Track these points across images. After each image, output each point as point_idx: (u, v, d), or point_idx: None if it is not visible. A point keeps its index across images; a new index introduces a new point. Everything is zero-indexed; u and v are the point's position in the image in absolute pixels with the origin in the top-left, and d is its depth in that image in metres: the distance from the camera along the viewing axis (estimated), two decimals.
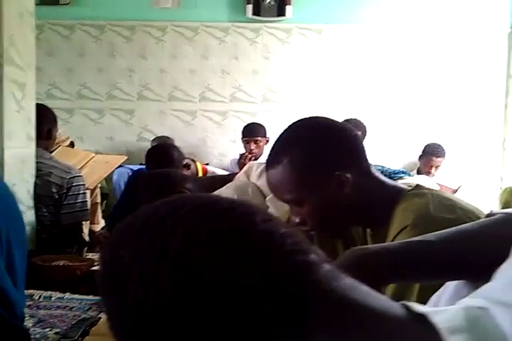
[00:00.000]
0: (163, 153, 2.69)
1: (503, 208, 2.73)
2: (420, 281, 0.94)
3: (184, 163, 2.76)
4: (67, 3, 4.58)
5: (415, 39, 4.59)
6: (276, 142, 1.34)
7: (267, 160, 1.32)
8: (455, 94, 4.64)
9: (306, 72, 4.60)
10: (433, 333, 0.45)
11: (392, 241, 1.19)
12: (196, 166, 3.27)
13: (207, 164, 4.26)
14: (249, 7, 4.44)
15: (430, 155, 4.44)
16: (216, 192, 1.91)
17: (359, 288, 0.50)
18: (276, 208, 1.71)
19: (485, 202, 4.10)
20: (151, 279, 0.45)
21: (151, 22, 4.59)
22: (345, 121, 4.35)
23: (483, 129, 4.68)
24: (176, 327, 0.45)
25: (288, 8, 4.43)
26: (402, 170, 2.82)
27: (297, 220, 1.31)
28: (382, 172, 2.85)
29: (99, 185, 3.69)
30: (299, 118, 1.35)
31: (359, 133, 4.33)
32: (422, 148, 4.49)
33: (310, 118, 1.37)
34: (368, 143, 4.37)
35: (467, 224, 0.87)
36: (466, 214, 1.20)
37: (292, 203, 1.30)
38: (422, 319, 0.47)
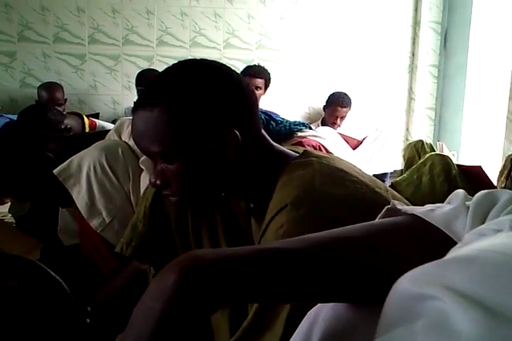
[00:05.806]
0: (36, 115, 2.31)
1: (406, 164, 2.59)
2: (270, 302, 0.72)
3: (63, 126, 2.39)
4: None
5: None
6: (159, 77, 1.06)
7: (141, 98, 1.04)
8: (362, 42, 4.47)
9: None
10: None
11: (269, 222, 0.97)
12: (83, 122, 2.88)
13: (97, 114, 3.89)
14: None
15: (335, 104, 4.26)
16: (81, 153, 1.62)
17: None
18: (151, 170, 1.45)
19: (390, 154, 4.01)
20: None
21: None
22: (248, 67, 4.08)
23: (389, 79, 4.55)
24: None
25: None
26: (302, 122, 2.64)
27: (158, 182, 1.05)
28: (281, 123, 2.65)
29: None
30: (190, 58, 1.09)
31: (261, 80, 4.09)
32: (327, 98, 4.32)
33: (207, 60, 1.09)
34: (271, 92, 4.17)
35: (354, 225, 0.63)
36: (358, 188, 0.98)
37: (159, 157, 1.03)
38: None
